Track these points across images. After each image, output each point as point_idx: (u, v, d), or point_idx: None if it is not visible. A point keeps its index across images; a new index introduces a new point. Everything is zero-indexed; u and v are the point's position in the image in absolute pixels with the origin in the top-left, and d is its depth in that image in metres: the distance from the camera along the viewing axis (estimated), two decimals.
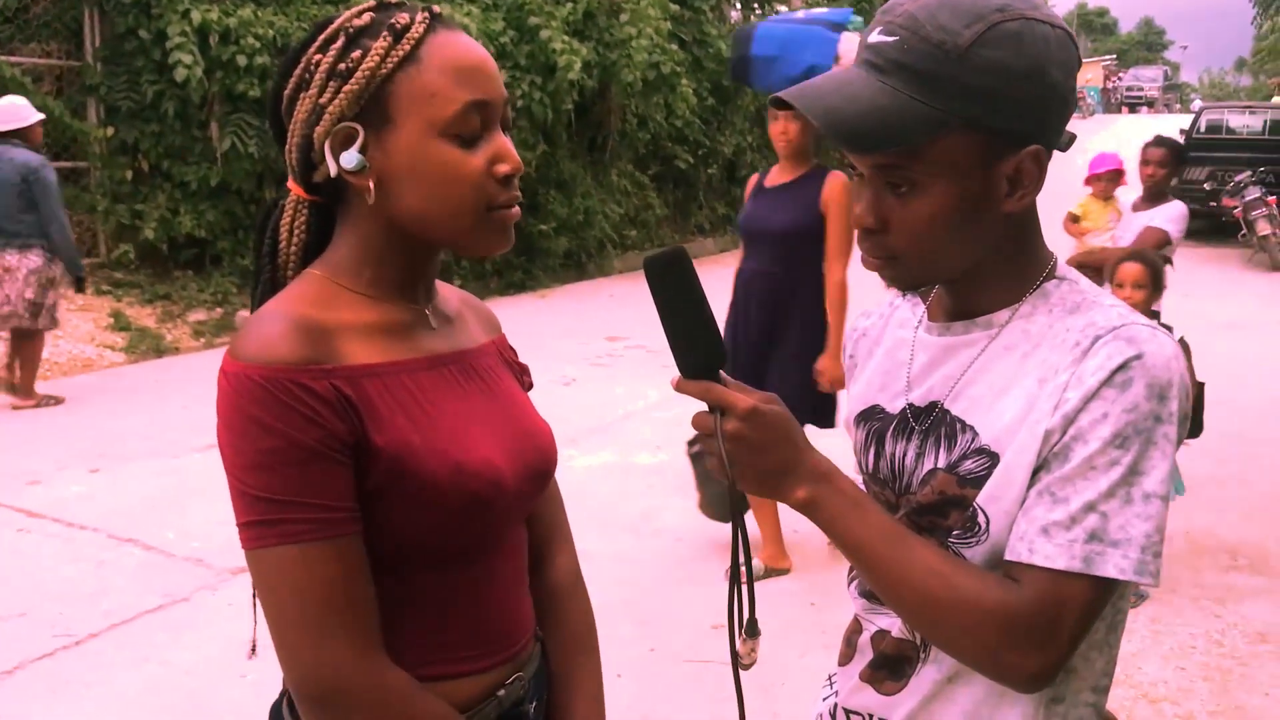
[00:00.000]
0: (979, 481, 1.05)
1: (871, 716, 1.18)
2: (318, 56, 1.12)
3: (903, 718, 1.14)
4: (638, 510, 4.87)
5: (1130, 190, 5.52)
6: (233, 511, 1.06)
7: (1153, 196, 5.17)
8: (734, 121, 15.52)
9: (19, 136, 6.55)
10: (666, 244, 11.50)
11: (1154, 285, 3.88)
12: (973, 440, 1.07)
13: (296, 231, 1.19)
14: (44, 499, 4.98)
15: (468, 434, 1.15)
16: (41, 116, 6.88)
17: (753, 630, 1.07)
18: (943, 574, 1.02)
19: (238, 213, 9.45)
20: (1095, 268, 4.50)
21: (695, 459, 4.19)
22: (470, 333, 1.27)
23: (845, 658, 1.24)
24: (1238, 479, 5.31)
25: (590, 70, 11.72)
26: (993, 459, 1.05)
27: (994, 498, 1.04)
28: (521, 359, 1.39)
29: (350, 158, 1.10)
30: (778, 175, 4.07)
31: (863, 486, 1.19)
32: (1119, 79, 51.17)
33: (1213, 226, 14.69)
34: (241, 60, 8.91)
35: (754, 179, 4.23)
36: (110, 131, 9.02)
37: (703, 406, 1.05)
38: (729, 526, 1.08)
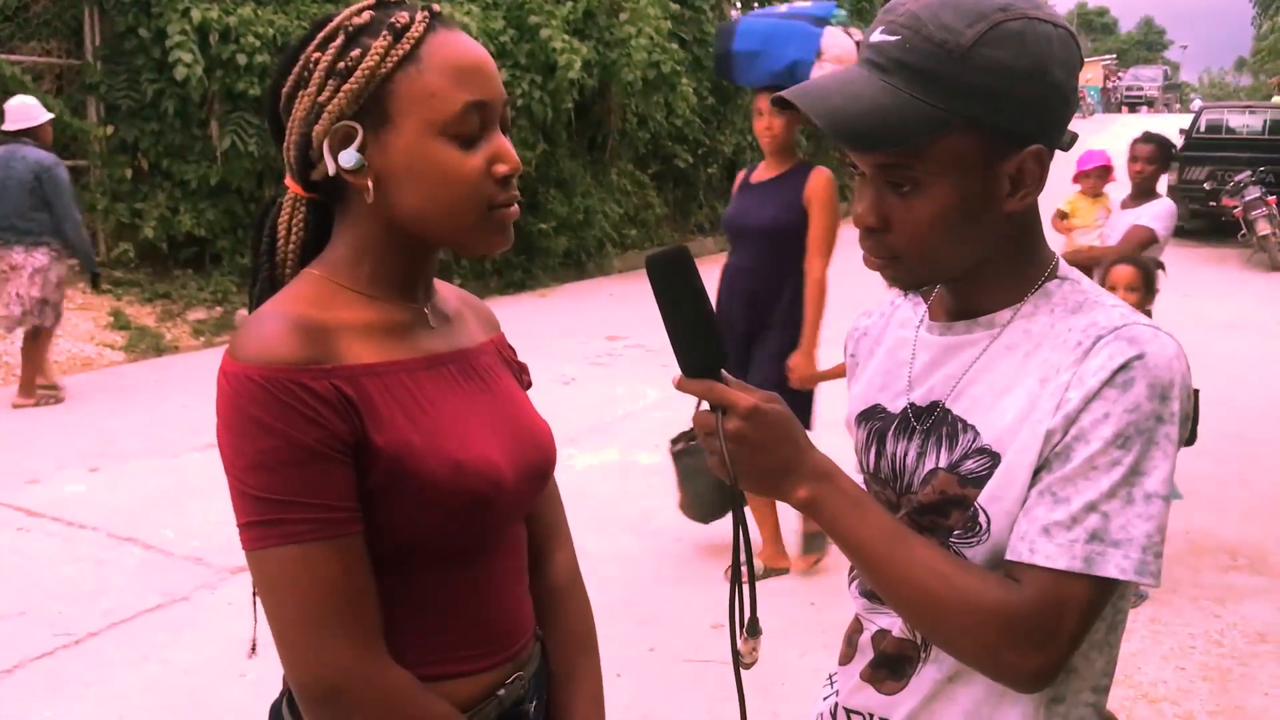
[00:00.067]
0: (980, 481, 1.05)
1: (872, 716, 1.18)
2: (317, 54, 1.12)
3: (903, 717, 1.14)
4: (638, 510, 4.87)
5: (1121, 187, 5.49)
6: (233, 512, 1.05)
7: (1141, 194, 5.15)
8: (734, 120, 15.51)
9: (29, 135, 6.59)
10: (666, 243, 11.48)
11: (1146, 289, 3.88)
12: (974, 440, 1.07)
13: (294, 230, 1.19)
14: (44, 498, 4.98)
15: (467, 433, 1.15)
16: (51, 116, 6.92)
17: (754, 630, 1.07)
18: (943, 574, 1.02)
19: (237, 212, 9.45)
20: (1084, 267, 4.50)
21: (678, 457, 4.17)
22: (469, 332, 1.27)
23: (846, 657, 1.24)
24: (1237, 479, 5.32)
25: (590, 69, 11.71)
26: (994, 459, 1.05)
27: (995, 497, 1.04)
28: (521, 358, 1.39)
29: (349, 156, 1.10)
30: (763, 171, 4.05)
31: (864, 486, 1.19)
32: (1119, 78, 51.15)
33: (1212, 226, 14.70)
34: (241, 59, 8.91)
35: (741, 175, 4.21)
36: (110, 130, 9.01)
37: (699, 406, 1.05)
38: (729, 526, 1.08)
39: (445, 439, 1.12)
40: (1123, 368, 0.99)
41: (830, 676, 1.29)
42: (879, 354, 1.24)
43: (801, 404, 3.92)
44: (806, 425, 3.82)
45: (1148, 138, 5.23)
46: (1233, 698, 3.31)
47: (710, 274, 1.56)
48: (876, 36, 1.03)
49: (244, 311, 9.01)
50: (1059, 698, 1.08)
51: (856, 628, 1.23)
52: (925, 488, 1.11)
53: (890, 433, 1.17)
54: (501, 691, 1.21)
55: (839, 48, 3.88)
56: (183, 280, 9.39)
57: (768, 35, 4.03)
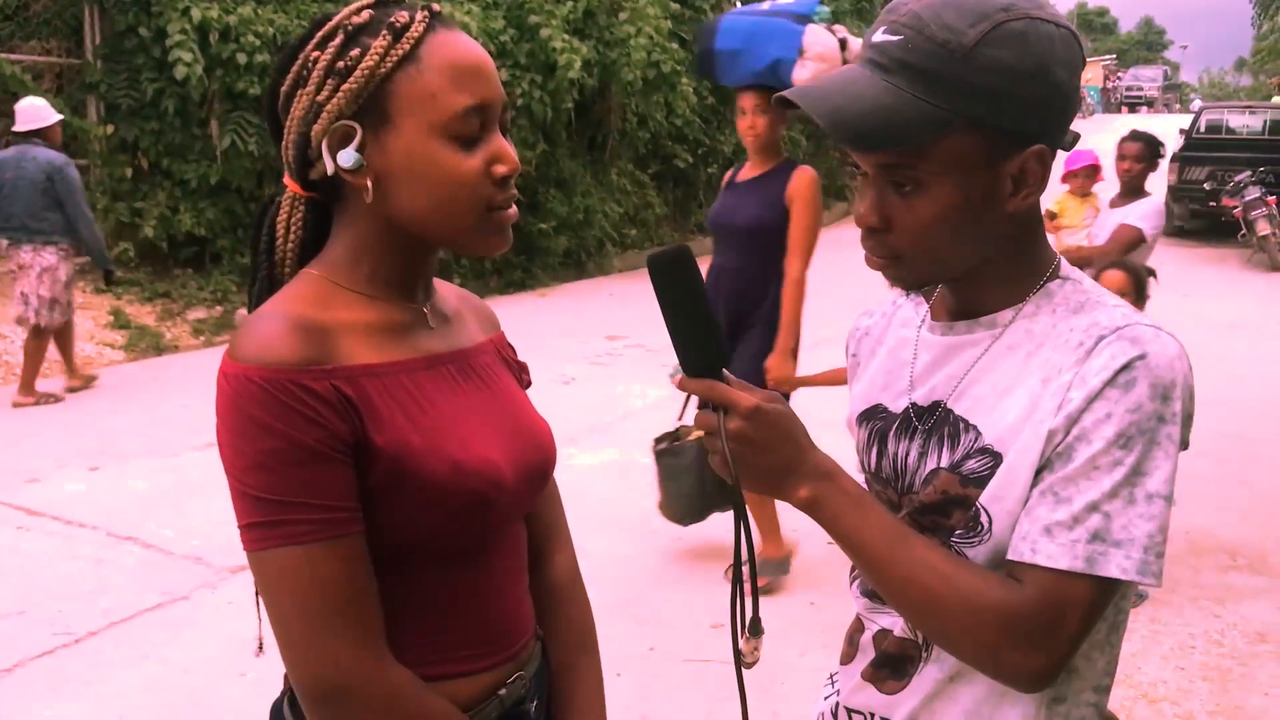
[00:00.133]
0: (982, 481, 1.05)
1: (873, 715, 1.18)
2: (316, 53, 1.11)
3: (904, 717, 1.14)
4: (638, 510, 4.86)
5: (1110, 187, 5.47)
6: (234, 513, 1.05)
7: (1130, 193, 5.12)
8: (734, 120, 15.50)
9: (39, 136, 6.65)
10: (666, 243, 11.48)
11: (1137, 294, 3.86)
12: (976, 440, 1.07)
13: (293, 228, 1.19)
14: (43, 497, 4.98)
15: (467, 433, 1.15)
16: (61, 117, 6.99)
17: (756, 629, 1.07)
18: (945, 573, 1.02)
19: (237, 211, 9.45)
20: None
21: (660, 456, 4.15)
22: (468, 331, 1.27)
23: (847, 657, 1.24)
24: (1237, 479, 5.32)
25: (590, 69, 11.71)
26: (995, 459, 1.05)
27: (997, 497, 1.04)
28: (521, 358, 1.39)
29: (348, 156, 1.10)
30: (748, 170, 4.03)
31: (865, 486, 1.19)
32: (1119, 79, 51.13)
33: (1212, 226, 14.70)
34: (241, 58, 8.91)
35: (728, 174, 4.19)
36: (110, 129, 9.01)
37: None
38: (730, 527, 1.08)
39: (445, 439, 1.12)
40: (1125, 368, 0.99)
41: (831, 676, 1.29)
42: (880, 354, 1.24)
43: None
44: None
45: (1135, 136, 5.19)
46: (1233, 698, 3.32)
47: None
48: (878, 36, 1.03)
49: (244, 311, 9.02)
50: (1060, 698, 1.08)
51: (858, 627, 1.23)
52: (927, 487, 1.11)
53: (892, 432, 1.17)
54: (502, 691, 1.21)
55: (821, 45, 3.83)
56: (183, 280, 9.39)
57: (750, 33, 3.97)
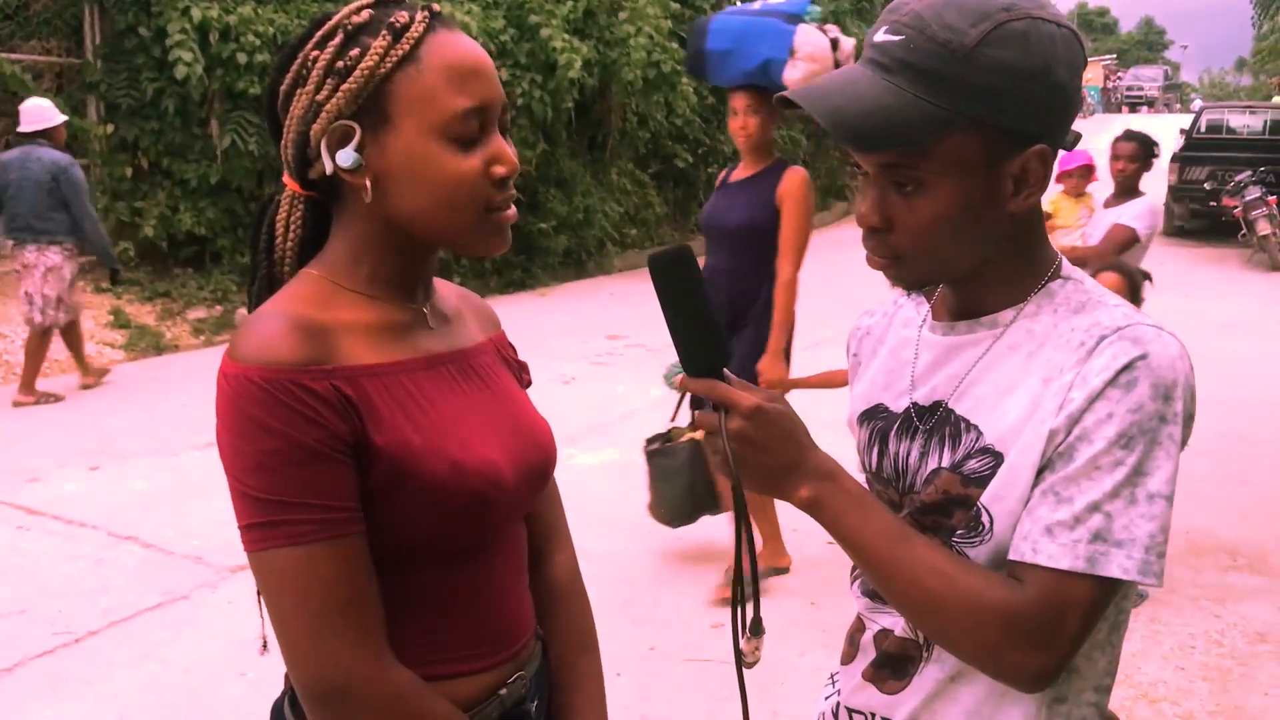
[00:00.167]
0: (983, 481, 1.05)
1: (874, 715, 1.18)
2: (315, 53, 1.11)
3: (905, 717, 1.14)
4: (638, 510, 4.85)
5: (1105, 187, 5.45)
6: (234, 513, 1.05)
7: (1124, 193, 5.10)
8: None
9: (44, 137, 6.70)
10: (667, 242, 11.49)
11: (1131, 297, 3.86)
12: (977, 440, 1.07)
13: (293, 227, 1.19)
14: (43, 496, 4.98)
15: (467, 433, 1.15)
16: (65, 118, 7.03)
17: (757, 629, 1.07)
18: (946, 573, 1.02)
19: (238, 210, 9.45)
20: None
21: (651, 457, 4.14)
22: (468, 331, 1.27)
23: (848, 656, 1.24)
24: (1237, 479, 5.31)
25: (590, 69, 11.71)
26: (997, 458, 1.05)
27: (998, 497, 1.04)
28: (521, 357, 1.39)
29: (346, 156, 1.09)
30: (740, 171, 4.01)
31: (866, 485, 1.19)
32: (1119, 78, 51.12)
33: (1213, 226, 14.70)
34: (242, 58, 8.91)
35: (721, 174, 4.17)
36: (110, 129, 9.02)
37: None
38: (730, 527, 1.08)
39: (445, 439, 1.12)
40: (1126, 368, 0.99)
41: (832, 676, 1.29)
42: (882, 353, 1.24)
43: None
44: None
45: (1129, 136, 5.17)
46: (1233, 698, 3.32)
47: None
48: (880, 36, 1.03)
49: (244, 310, 9.05)
50: (1061, 698, 1.08)
51: (859, 627, 1.23)
52: (928, 487, 1.11)
53: (893, 432, 1.17)
54: (503, 691, 1.21)
55: (812, 45, 3.80)
56: (183, 279, 9.39)
57: (740, 34, 3.93)
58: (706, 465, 3.94)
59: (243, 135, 9.13)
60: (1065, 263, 1.13)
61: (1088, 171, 5.75)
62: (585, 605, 1.39)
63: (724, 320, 3.89)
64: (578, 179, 12.43)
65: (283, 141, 1.15)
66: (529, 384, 1.36)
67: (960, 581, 1.01)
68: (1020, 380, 1.06)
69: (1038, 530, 1.00)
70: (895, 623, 1.15)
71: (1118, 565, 0.97)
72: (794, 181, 3.80)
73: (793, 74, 3.75)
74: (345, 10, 1.14)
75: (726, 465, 1.03)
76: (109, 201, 8.98)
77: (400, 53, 1.08)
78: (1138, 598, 3.75)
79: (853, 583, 1.25)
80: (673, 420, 4.24)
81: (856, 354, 1.30)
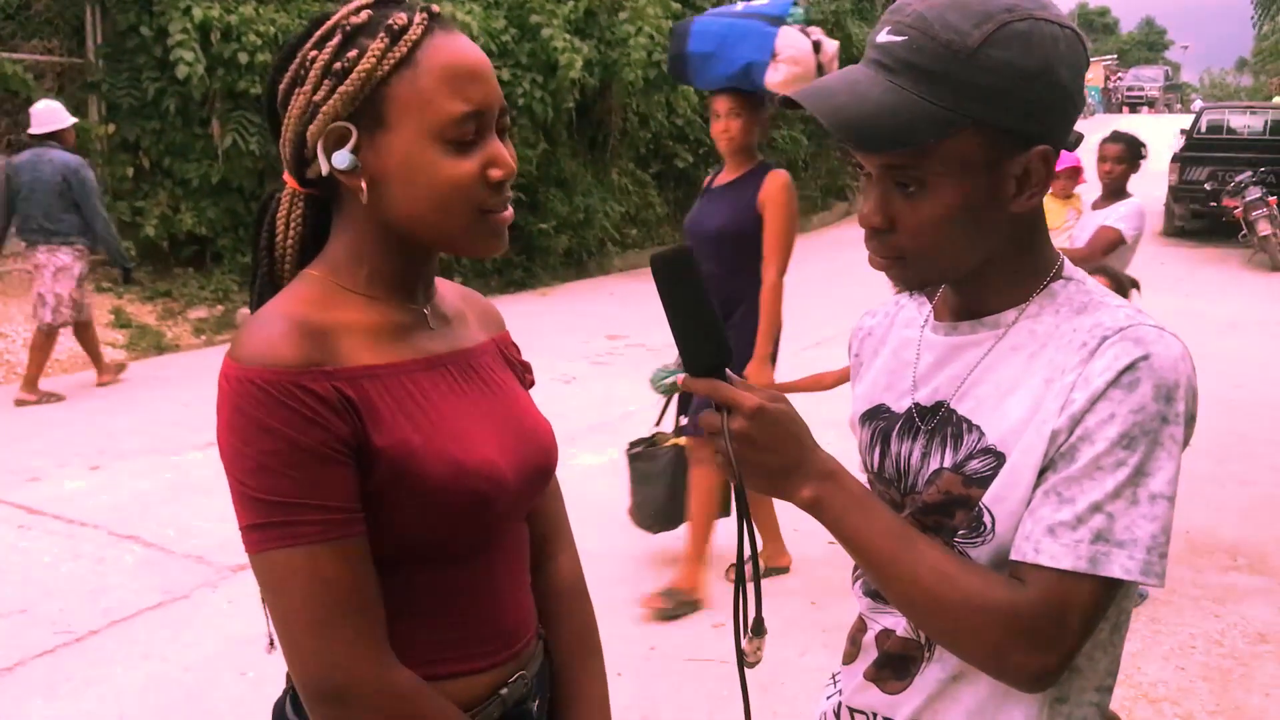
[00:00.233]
0: (985, 481, 1.05)
1: (876, 715, 1.18)
2: (313, 53, 1.11)
3: (907, 717, 1.14)
4: None
5: (1092, 188, 5.42)
6: (235, 514, 1.05)
7: (1111, 194, 5.07)
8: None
9: (54, 139, 6.76)
10: (667, 243, 11.49)
11: None
12: (979, 440, 1.07)
13: (293, 225, 1.19)
14: (44, 496, 4.99)
15: (467, 434, 1.15)
16: (75, 120, 7.10)
17: (759, 629, 1.07)
18: (948, 574, 1.02)
19: (239, 210, 9.45)
20: None
21: (633, 460, 4.10)
22: (470, 331, 1.27)
23: (849, 656, 1.24)
24: (1238, 479, 5.31)
25: (591, 69, 11.71)
26: (999, 459, 1.05)
27: (1000, 498, 1.04)
28: (523, 357, 1.39)
29: (342, 158, 1.09)
30: (724, 175, 3.94)
31: (867, 486, 1.19)
32: (1120, 79, 51.10)
33: (1213, 226, 14.70)
34: (243, 57, 8.91)
35: (707, 179, 4.11)
36: (111, 129, 9.02)
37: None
38: (731, 527, 1.08)
39: (445, 440, 1.12)
40: (1128, 368, 0.99)
41: (833, 676, 1.29)
42: (883, 354, 1.24)
43: None
44: None
45: (1116, 137, 5.13)
46: (1233, 698, 3.32)
47: None
48: (883, 37, 1.03)
49: (245, 310, 9.07)
50: (1063, 697, 1.08)
51: (860, 627, 1.23)
52: (930, 488, 1.11)
53: (895, 432, 1.17)
54: (504, 690, 1.21)
55: (794, 48, 3.75)
56: (184, 279, 9.39)
57: (722, 36, 3.87)
58: (688, 472, 3.90)
59: (244, 135, 9.13)
60: (1067, 263, 1.13)
61: (1075, 173, 5.74)
62: (588, 608, 1.40)
63: None
64: (578, 179, 12.43)
65: (281, 140, 1.15)
66: (532, 384, 1.36)
67: (962, 581, 1.01)
68: (1022, 381, 1.06)
69: (1040, 530, 1.00)
70: (897, 623, 1.15)
71: (1120, 565, 0.97)
72: (775, 185, 3.73)
73: (774, 76, 3.70)
74: (344, 10, 1.13)
75: (729, 465, 1.03)
76: (110, 201, 8.98)
77: (397, 55, 1.07)
78: (1138, 598, 3.75)
79: (854, 583, 1.25)
80: (657, 425, 4.22)
81: (858, 354, 1.30)
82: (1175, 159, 15.58)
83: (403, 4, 1.13)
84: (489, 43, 10.66)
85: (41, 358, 6.83)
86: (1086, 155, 5.61)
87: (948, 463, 1.09)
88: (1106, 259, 4.57)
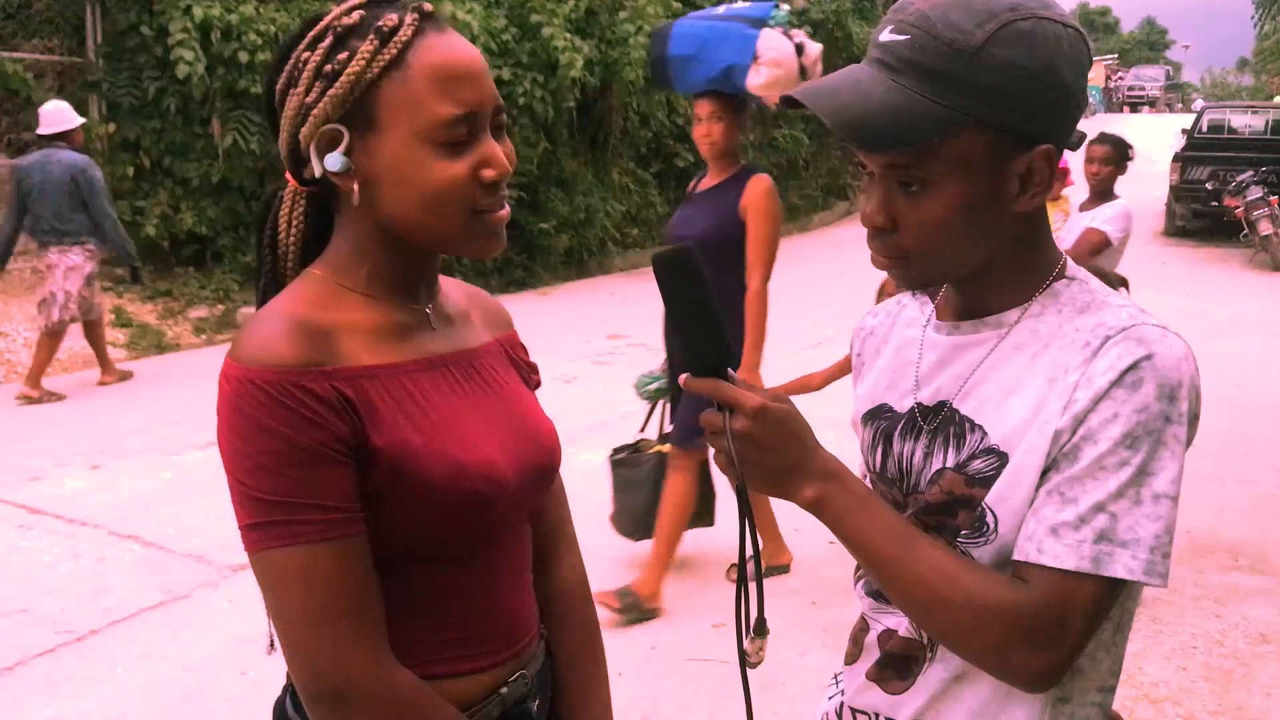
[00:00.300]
0: (987, 481, 1.05)
1: (878, 715, 1.18)
2: (306, 54, 1.11)
3: (909, 717, 1.14)
4: None
5: (1080, 190, 5.41)
6: (235, 513, 1.05)
7: (1098, 196, 5.06)
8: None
9: (62, 139, 6.82)
10: (668, 242, 11.49)
11: None
12: (981, 440, 1.07)
13: (295, 223, 1.19)
14: (45, 495, 4.99)
15: (467, 434, 1.15)
16: (83, 120, 7.17)
17: (761, 629, 1.07)
18: (951, 574, 1.01)
19: (239, 209, 9.46)
20: None
21: (615, 466, 4.06)
22: (473, 332, 1.27)
23: (851, 657, 1.24)
24: (1239, 479, 5.31)
25: (592, 68, 11.71)
26: (1001, 459, 1.05)
27: (1002, 498, 1.04)
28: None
29: (334, 160, 1.09)
30: (706, 180, 3.88)
31: (869, 485, 1.18)
32: (1121, 78, 51.08)
33: (1214, 226, 14.70)
34: (243, 57, 8.91)
35: (691, 183, 4.04)
36: (112, 128, 9.03)
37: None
38: (731, 527, 1.08)
39: (445, 440, 1.12)
40: (1131, 368, 0.98)
41: (835, 676, 1.29)
42: (886, 353, 1.23)
43: None
44: None
45: (1103, 139, 5.11)
46: (1234, 698, 3.31)
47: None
48: (885, 36, 1.03)
49: (246, 309, 9.08)
50: (1065, 698, 1.08)
51: (862, 627, 1.23)
52: (932, 487, 1.11)
53: (897, 432, 1.16)
54: (504, 690, 1.21)
55: (776, 50, 3.70)
56: (184, 278, 9.40)
57: (703, 39, 3.82)
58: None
59: (244, 134, 9.13)
60: (1070, 263, 1.13)
61: (1062, 175, 5.73)
62: (592, 612, 1.40)
63: None
64: (579, 178, 12.44)
65: (279, 140, 1.15)
66: (538, 385, 1.36)
67: (964, 581, 1.01)
68: (1025, 380, 1.06)
69: (1042, 530, 0.99)
70: (899, 623, 1.15)
71: (1123, 565, 0.97)
72: (757, 191, 3.66)
73: (756, 79, 3.65)
74: (336, 11, 1.12)
75: (731, 465, 1.03)
76: (110, 201, 8.98)
77: (387, 58, 1.07)
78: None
79: (856, 583, 1.25)
80: (641, 431, 4.21)
81: (860, 354, 1.29)
82: (1176, 159, 15.58)
83: (395, 3, 1.12)
84: (489, 42, 10.66)
85: (48, 354, 6.88)
86: (1073, 157, 5.61)
87: (950, 462, 1.09)
88: (1093, 260, 4.56)
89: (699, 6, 14.01)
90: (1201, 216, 15.14)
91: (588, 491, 4.72)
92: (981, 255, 1.07)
